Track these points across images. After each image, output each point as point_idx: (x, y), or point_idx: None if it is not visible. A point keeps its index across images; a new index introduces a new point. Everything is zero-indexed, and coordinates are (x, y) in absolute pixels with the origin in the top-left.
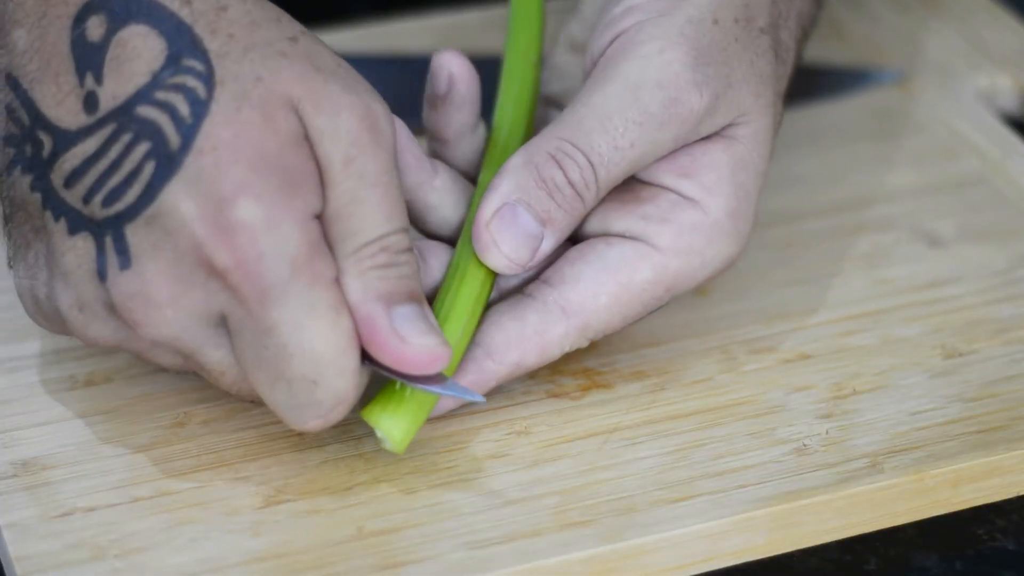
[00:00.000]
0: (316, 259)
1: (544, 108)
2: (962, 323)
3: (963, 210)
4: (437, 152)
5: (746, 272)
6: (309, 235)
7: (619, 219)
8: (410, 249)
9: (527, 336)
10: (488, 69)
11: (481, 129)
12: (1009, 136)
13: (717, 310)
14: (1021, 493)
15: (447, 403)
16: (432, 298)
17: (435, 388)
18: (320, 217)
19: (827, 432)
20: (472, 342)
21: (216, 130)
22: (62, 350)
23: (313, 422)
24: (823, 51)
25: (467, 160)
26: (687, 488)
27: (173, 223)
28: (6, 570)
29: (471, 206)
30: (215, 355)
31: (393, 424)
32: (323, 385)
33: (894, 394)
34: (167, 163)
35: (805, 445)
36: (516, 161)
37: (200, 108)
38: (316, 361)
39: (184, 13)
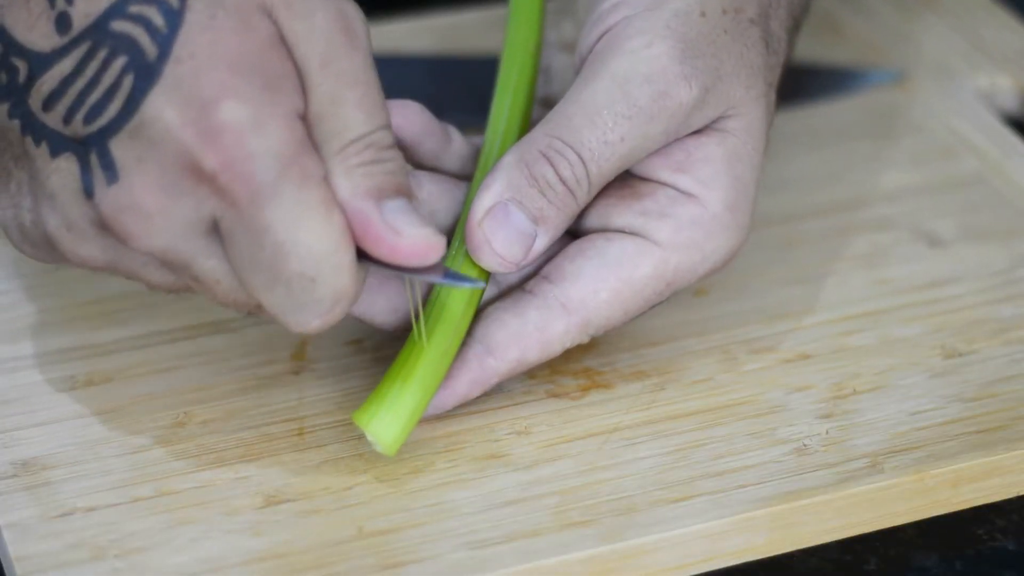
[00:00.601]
0: (304, 156)
1: (539, 109)
2: (962, 323)
3: (963, 210)
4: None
5: (746, 272)
6: (295, 133)
7: (618, 215)
8: (395, 146)
9: (528, 333)
10: (488, 69)
11: (456, 138)
12: (1009, 136)
13: (717, 310)
14: (1021, 493)
15: (444, 402)
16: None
17: (435, 278)
18: (303, 119)
19: (827, 432)
20: (473, 339)
21: (192, 38)
22: (62, 350)
23: (315, 322)
24: (822, 50)
25: (458, 164)
26: (687, 488)
27: (157, 132)
28: (6, 570)
29: (465, 206)
30: (208, 264)
31: (383, 427)
32: (322, 282)
33: (894, 394)
34: (146, 74)
35: (805, 445)
36: (507, 160)
37: (174, 18)
38: (313, 257)
39: None
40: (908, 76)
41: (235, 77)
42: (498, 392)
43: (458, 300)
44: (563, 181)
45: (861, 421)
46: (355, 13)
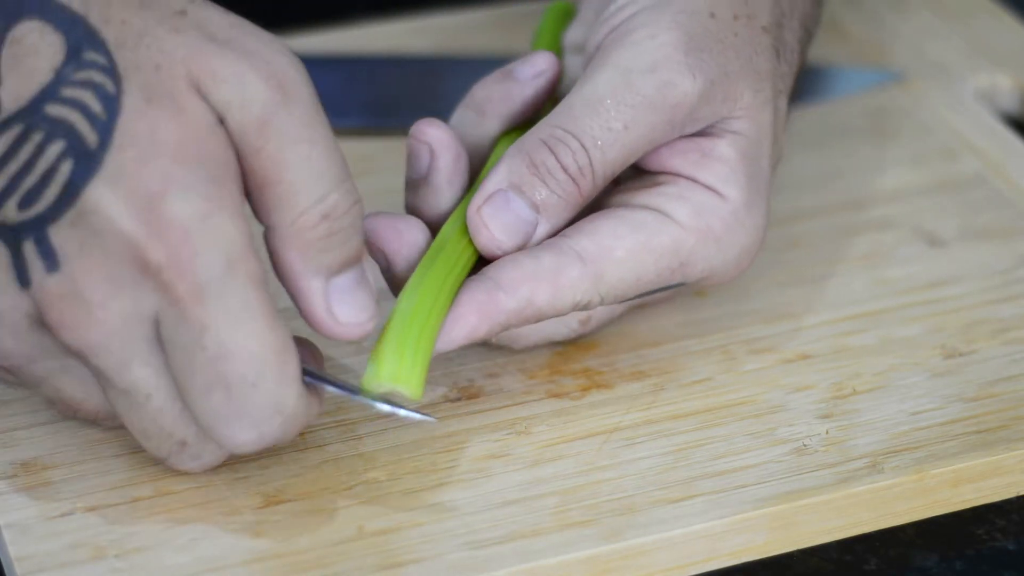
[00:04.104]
0: (250, 257)
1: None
2: (962, 323)
3: (963, 210)
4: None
5: (746, 272)
6: (241, 230)
7: (638, 198)
8: (353, 205)
9: (541, 274)
10: (488, 69)
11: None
12: (1009, 136)
13: (717, 310)
14: (1021, 493)
15: (453, 335)
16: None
17: (382, 406)
18: (248, 190)
19: (827, 432)
20: (484, 276)
21: (131, 125)
22: None
23: (251, 435)
24: (823, 51)
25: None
26: (687, 488)
27: (101, 222)
28: (6, 570)
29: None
30: (142, 372)
31: (402, 372)
32: (263, 388)
33: (894, 394)
34: (86, 161)
35: (805, 445)
36: (511, 151)
37: (112, 103)
38: (255, 361)
39: (76, 4)
40: (908, 76)
41: (180, 167)
42: (498, 392)
43: (456, 240)
44: (564, 168)
45: (861, 421)
46: (288, 65)
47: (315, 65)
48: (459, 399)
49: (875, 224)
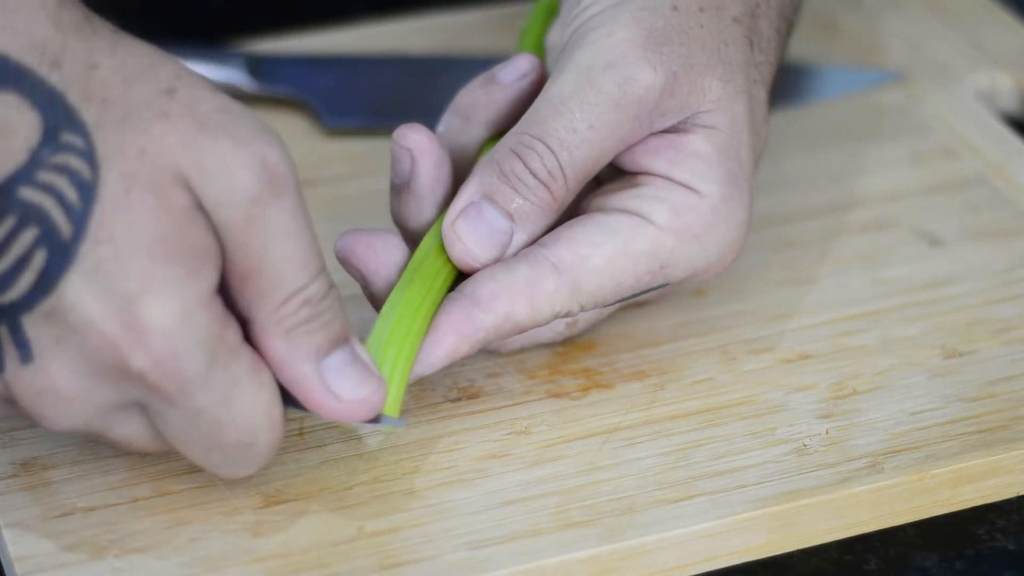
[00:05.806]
0: (227, 333)
1: None
2: (962, 323)
3: (963, 210)
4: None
5: (745, 272)
6: (216, 313)
7: (615, 200)
8: (330, 290)
9: (517, 287)
10: (488, 69)
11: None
12: (1009, 136)
13: (716, 310)
14: (1021, 493)
15: (431, 358)
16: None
17: (371, 426)
18: (227, 277)
19: (827, 432)
20: (461, 293)
21: (109, 217)
22: None
23: (246, 472)
24: (822, 50)
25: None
26: (687, 488)
27: (78, 320)
28: (6, 570)
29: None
30: (124, 431)
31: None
32: (258, 443)
33: (894, 394)
34: (61, 252)
35: (805, 445)
36: (482, 162)
37: (88, 192)
38: (250, 426)
39: (55, 79)
40: (909, 76)
41: (157, 266)
42: (498, 392)
43: (434, 257)
44: (534, 173)
45: (861, 421)
46: (278, 157)
47: (315, 65)
48: (459, 399)
49: (874, 224)
